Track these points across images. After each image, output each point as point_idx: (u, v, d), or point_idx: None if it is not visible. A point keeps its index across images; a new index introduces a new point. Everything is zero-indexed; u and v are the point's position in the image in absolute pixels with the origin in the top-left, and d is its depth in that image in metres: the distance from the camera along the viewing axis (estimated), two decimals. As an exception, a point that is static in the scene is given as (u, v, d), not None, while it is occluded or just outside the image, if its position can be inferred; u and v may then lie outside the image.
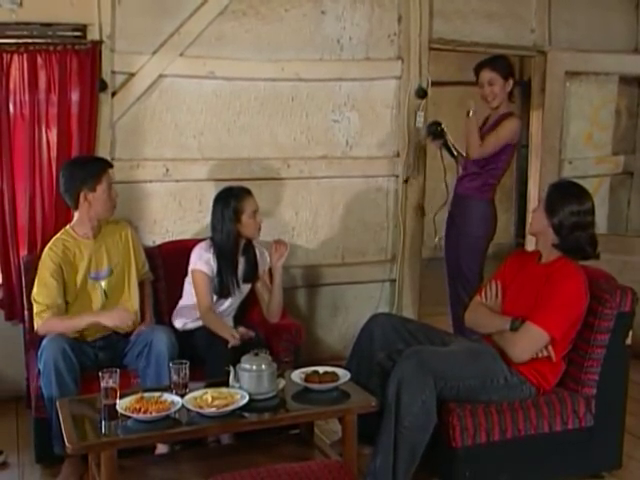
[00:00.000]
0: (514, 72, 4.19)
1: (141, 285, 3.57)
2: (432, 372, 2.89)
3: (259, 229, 3.58)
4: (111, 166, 3.44)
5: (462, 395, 2.98)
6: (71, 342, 3.15)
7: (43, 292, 3.25)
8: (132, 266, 3.51)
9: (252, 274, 3.64)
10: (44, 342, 3.14)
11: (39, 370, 3.12)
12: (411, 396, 2.85)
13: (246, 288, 3.68)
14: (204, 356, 3.23)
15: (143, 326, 3.44)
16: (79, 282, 3.35)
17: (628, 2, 5.08)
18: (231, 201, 3.49)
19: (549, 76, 4.80)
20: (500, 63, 4.13)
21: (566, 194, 3.09)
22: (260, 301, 3.73)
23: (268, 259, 3.67)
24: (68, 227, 3.43)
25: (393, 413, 2.85)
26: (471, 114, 4.04)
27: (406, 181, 4.52)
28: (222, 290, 3.53)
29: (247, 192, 3.55)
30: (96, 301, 3.39)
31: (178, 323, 3.60)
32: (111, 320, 3.21)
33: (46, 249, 3.34)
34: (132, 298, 3.48)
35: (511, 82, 4.12)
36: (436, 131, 4.28)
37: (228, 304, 3.62)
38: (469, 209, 4.20)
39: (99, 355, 3.31)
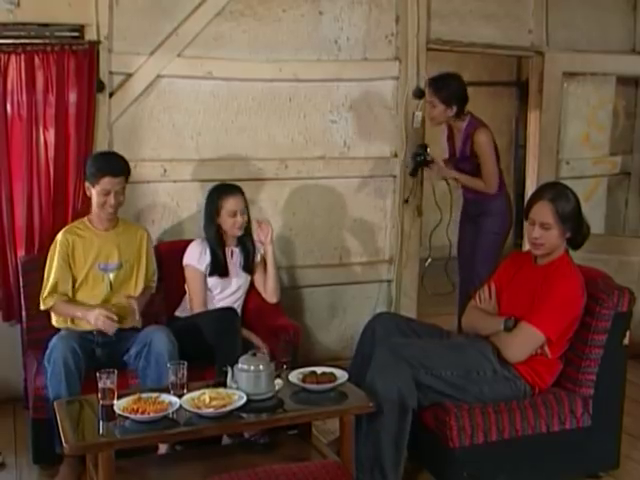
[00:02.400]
0: (460, 94, 4.11)
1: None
2: (405, 359, 2.90)
3: (239, 228, 3.63)
4: (115, 175, 3.37)
5: (450, 386, 2.96)
6: (79, 341, 3.20)
7: (51, 273, 3.37)
8: (142, 266, 3.56)
9: (248, 262, 3.73)
10: (53, 340, 3.18)
11: (46, 369, 3.12)
12: (386, 383, 2.87)
13: (246, 277, 3.74)
14: (215, 341, 3.28)
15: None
16: (86, 269, 3.42)
17: (625, 3, 5.08)
18: (215, 197, 3.64)
19: (547, 77, 4.80)
20: (444, 88, 4.09)
21: (561, 198, 3.06)
22: (259, 288, 3.80)
23: (261, 249, 3.76)
24: (85, 218, 3.51)
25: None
26: (456, 176, 4.19)
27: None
28: (217, 268, 3.61)
29: (232, 191, 3.65)
30: (100, 291, 3.44)
31: (182, 313, 3.67)
32: (94, 321, 3.25)
33: (60, 234, 3.43)
34: (135, 291, 3.51)
35: (454, 109, 4.09)
36: (423, 160, 4.31)
37: (235, 288, 3.68)
38: (488, 208, 4.22)
39: (96, 351, 3.33)
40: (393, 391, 2.87)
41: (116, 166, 3.43)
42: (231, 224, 3.61)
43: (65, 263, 3.38)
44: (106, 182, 3.36)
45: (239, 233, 3.66)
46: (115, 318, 3.25)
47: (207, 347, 3.29)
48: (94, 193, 3.39)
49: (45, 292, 3.37)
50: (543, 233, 3.04)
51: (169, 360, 3.01)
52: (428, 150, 4.35)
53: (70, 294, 3.40)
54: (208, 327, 3.35)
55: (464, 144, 4.20)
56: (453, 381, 2.98)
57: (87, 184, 3.44)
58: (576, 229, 3.07)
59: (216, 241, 3.64)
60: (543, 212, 3.03)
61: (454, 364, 2.99)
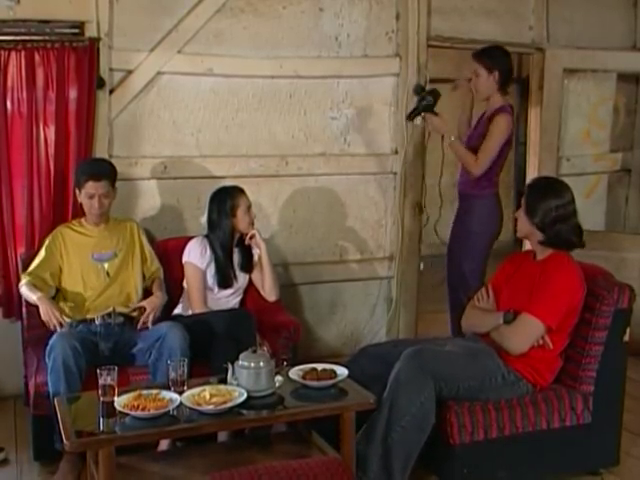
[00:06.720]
0: (504, 64, 4.05)
1: (151, 283, 3.69)
2: (432, 374, 2.90)
3: (252, 223, 3.71)
4: (98, 179, 3.46)
5: (461, 396, 2.98)
6: (81, 338, 3.22)
7: (35, 260, 3.51)
8: (136, 255, 3.67)
9: (247, 263, 3.78)
10: (54, 338, 3.18)
11: (47, 365, 3.13)
12: (410, 397, 2.86)
13: (244, 278, 3.78)
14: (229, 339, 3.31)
15: (144, 303, 3.49)
16: (81, 260, 3.53)
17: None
18: (227, 198, 3.66)
19: (547, 73, 4.80)
20: (487, 54, 4.05)
21: (543, 192, 3.10)
22: (257, 287, 3.82)
23: (257, 250, 3.77)
24: (81, 218, 3.63)
25: (390, 411, 2.86)
26: (452, 139, 3.97)
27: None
28: (223, 281, 3.67)
29: (240, 190, 3.72)
30: (100, 281, 3.53)
31: (182, 312, 3.68)
32: (42, 311, 3.27)
33: (55, 229, 3.59)
34: (132, 278, 3.61)
35: (496, 75, 4.01)
36: (430, 106, 4.01)
37: (230, 291, 3.72)
38: (472, 206, 4.15)
39: (100, 345, 3.35)
40: (416, 406, 2.86)
41: (99, 171, 3.52)
42: (248, 221, 3.68)
43: (51, 253, 3.49)
44: (90, 186, 3.47)
45: (252, 228, 3.70)
46: (57, 315, 3.25)
47: (209, 346, 3.29)
48: (82, 197, 3.52)
49: (25, 272, 3.49)
50: (519, 214, 3.17)
51: (181, 356, 3.04)
52: (437, 97, 4.04)
53: (47, 280, 3.46)
54: (224, 326, 3.37)
55: (485, 122, 4.06)
56: (467, 393, 2.98)
57: (77, 190, 3.55)
58: (546, 228, 3.05)
59: (227, 242, 3.66)
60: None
61: (472, 375, 2.99)
